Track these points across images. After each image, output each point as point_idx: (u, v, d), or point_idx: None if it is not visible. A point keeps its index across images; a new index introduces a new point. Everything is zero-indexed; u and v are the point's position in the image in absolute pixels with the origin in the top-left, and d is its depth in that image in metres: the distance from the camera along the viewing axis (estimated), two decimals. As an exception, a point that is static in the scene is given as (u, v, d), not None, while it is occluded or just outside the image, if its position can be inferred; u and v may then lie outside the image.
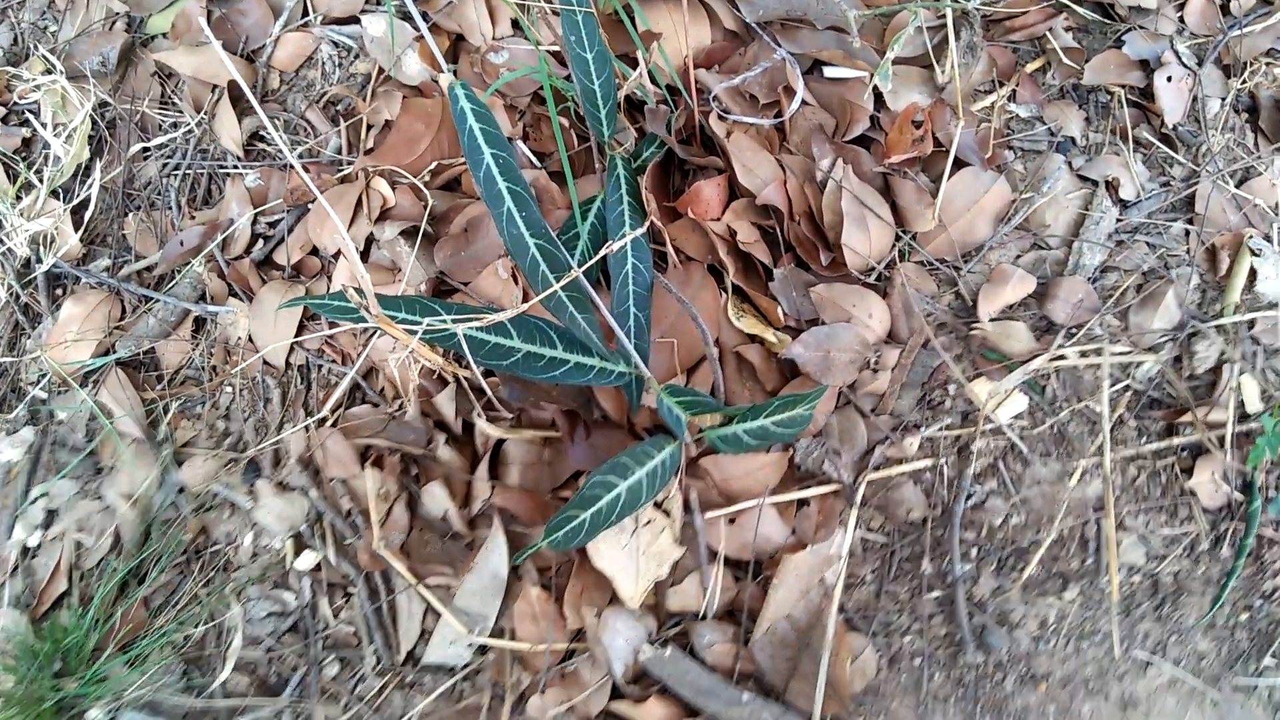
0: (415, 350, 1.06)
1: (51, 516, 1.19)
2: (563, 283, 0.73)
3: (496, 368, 0.87)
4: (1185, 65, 1.03)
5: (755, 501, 0.99)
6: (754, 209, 1.05)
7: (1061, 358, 0.97)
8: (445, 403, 1.08)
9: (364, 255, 1.13)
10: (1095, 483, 0.97)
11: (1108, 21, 1.07)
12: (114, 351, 1.19)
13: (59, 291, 1.24)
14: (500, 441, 1.07)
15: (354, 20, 1.24)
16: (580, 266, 1.02)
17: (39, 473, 1.20)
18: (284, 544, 1.11)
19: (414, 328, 0.81)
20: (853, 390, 1.00)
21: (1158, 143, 1.03)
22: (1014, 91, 1.05)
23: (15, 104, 1.31)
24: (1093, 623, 0.97)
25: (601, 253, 0.76)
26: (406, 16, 1.19)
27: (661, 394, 0.92)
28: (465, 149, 0.62)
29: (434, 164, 1.14)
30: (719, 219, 1.06)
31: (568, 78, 1.11)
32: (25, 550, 1.17)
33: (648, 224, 1.02)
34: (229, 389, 1.19)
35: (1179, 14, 1.08)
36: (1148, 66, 1.04)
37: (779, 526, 1.00)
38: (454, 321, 0.84)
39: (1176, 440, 0.97)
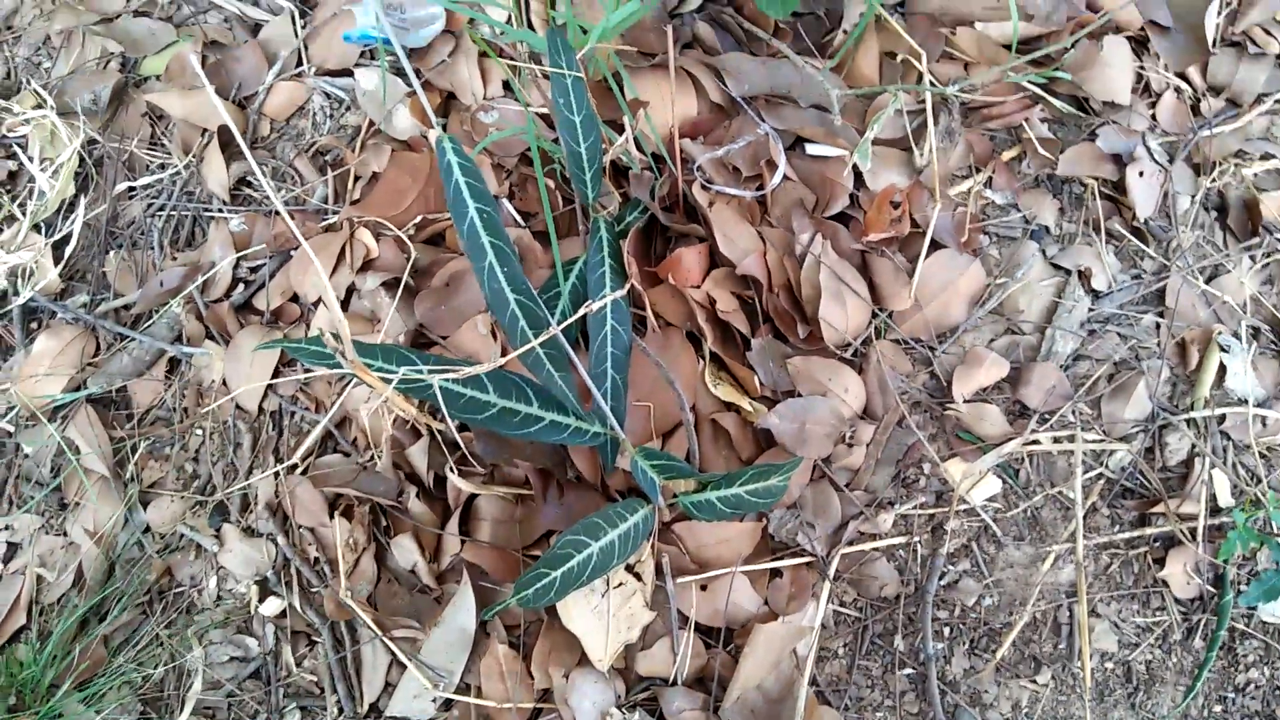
0: (390, 400, 1.06)
1: (13, 550, 1.17)
2: (541, 339, 0.73)
3: (471, 422, 0.87)
4: (1157, 161, 1.07)
5: (728, 570, 0.99)
6: (734, 279, 1.07)
7: (1035, 442, 0.99)
8: (418, 455, 1.08)
9: (344, 304, 1.14)
10: (1068, 568, 0.99)
11: (1082, 115, 1.11)
12: (85, 387, 1.18)
13: (34, 325, 1.23)
14: (472, 497, 1.07)
15: (347, 73, 1.25)
16: (560, 325, 1.04)
17: (2, 505, 1.18)
18: (249, 589, 1.10)
19: (389, 376, 0.81)
20: (828, 464, 1.02)
21: (1129, 235, 1.06)
22: (990, 178, 1.08)
23: (4, 137, 1.31)
24: (1065, 708, 0.98)
25: (581, 311, 0.78)
26: (399, 72, 1.21)
27: (636, 456, 0.93)
28: (450, 202, 0.63)
29: (419, 218, 1.15)
30: (699, 286, 1.07)
31: (555, 140, 1.13)
32: (-17, 584, 1.15)
33: (628, 287, 1.03)
34: (199, 431, 1.18)
35: (1151, 111, 1.12)
36: (1120, 161, 1.08)
37: (751, 596, 1.00)
38: (430, 372, 0.84)
39: (1149, 530, 0.99)
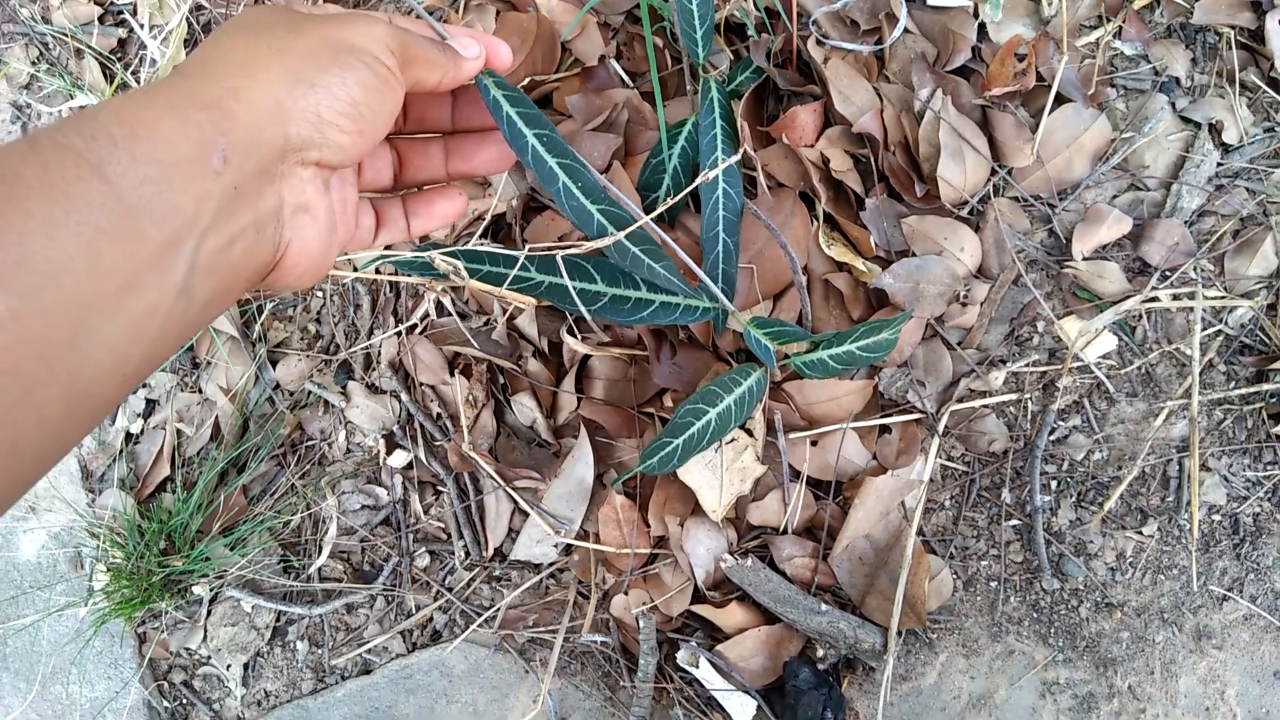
0: (507, 296, 1.09)
1: (152, 406, 1.24)
2: (627, 231, 0.73)
3: (587, 311, 0.89)
4: (1299, 8, 1.02)
5: (838, 426, 1.02)
6: (849, 137, 1.06)
7: (1154, 300, 0.98)
8: (528, 323, 1.11)
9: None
10: (1180, 424, 0.99)
11: (1221, -41, 1.05)
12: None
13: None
14: (586, 357, 1.10)
15: (453, -71, 1.24)
16: (668, 193, 1.05)
17: (138, 364, 1.25)
18: (376, 442, 1.15)
19: (490, 275, 0.85)
20: (940, 323, 1.02)
21: (1265, 87, 1.02)
22: (1120, 28, 1.04)
23: (112, 4, 1.33)
24: (1170, 557, 1.00)
25: (695, 184, 0.78)
26: (506, -71, 1.19)
27: (749, 327, 0.94)
28: (507, 136, 0.61)
29: (527, 79, 1.15)
30: (813, 146, 1.06)
31: (665, -4, 1.12)
32: (129, 436, 1.23)
33: (741, 152, 1.03)
34: (319, 294, 1.22)
35: (1293, -46, 1.06)
36: (1259, 8, 1.03)
37: (860, 451, 1.03)
38: (539, 271, 0.87)
39: (1266, 386, 0.98)
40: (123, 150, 0.38)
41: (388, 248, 1.18)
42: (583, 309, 0.87)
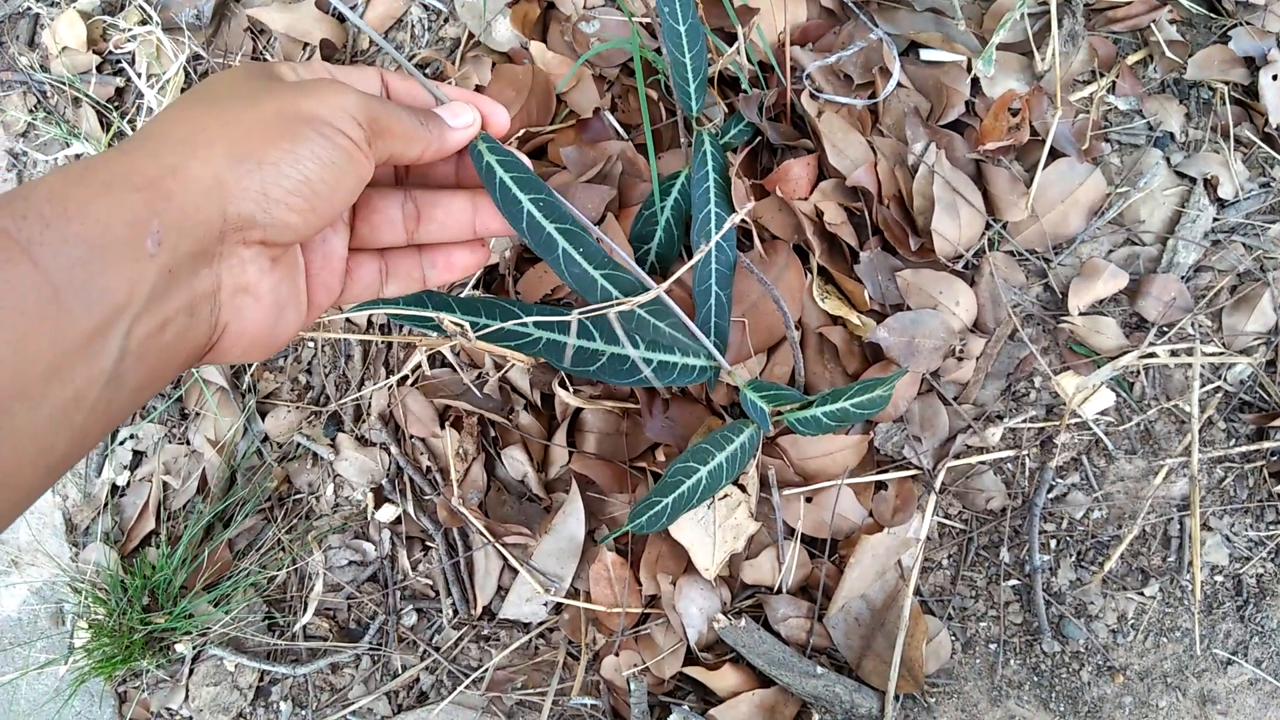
0: (508, 355, 1.08)
1: (139, 458, 1.22)
2: (643, 299, 0.71)
3: (583, 374, 0.88)
4: (1292, 64, 1.02)
5: (833, 482, 1.00)
6: (843, 190, 1.05)
7: (1152, 355, 0.97)
8: (519, 377, 1.10)
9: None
10: (1180, 482, 0.98)
11: (1214, 16, 1.06)
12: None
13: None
14: (578, 410, 1.09)
15: (447, -16, 1.25)
16: (659, 245, 1.04)
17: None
18: (365, 496, 1.14)
19: (492, 332, 0.83)
20: (936, 378, 1.01)
21: (1259, 142, 1.01)
22: (1114, 83, 1.04)
23: (111, 53, 1.34)
24: (1173, 619, 0.98)
25: (697, 258, 0.77)
26: (501, -18, 1.20)
27: (745, 389, 0.93)
28: (499, 202, 0.58)
29: (521, 131, 1.15)
30: (806, 199, 1.06)
31: (658, 50, 1.12)
32: (114, 489, 1.21)
33: (746, 209, 1.02)
34: (310, 344, 1.21)
35: (1286, 10, 1.06)
36: (1253, 64, 1.03)
37: (856, 508, 1.01)
38: (535, 326, 0.85)
39: (1266, 444, 0.97)
40: (54, 231, 0.36)
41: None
42: (568, 369, 0.86)
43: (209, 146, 0.42)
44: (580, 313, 0.72)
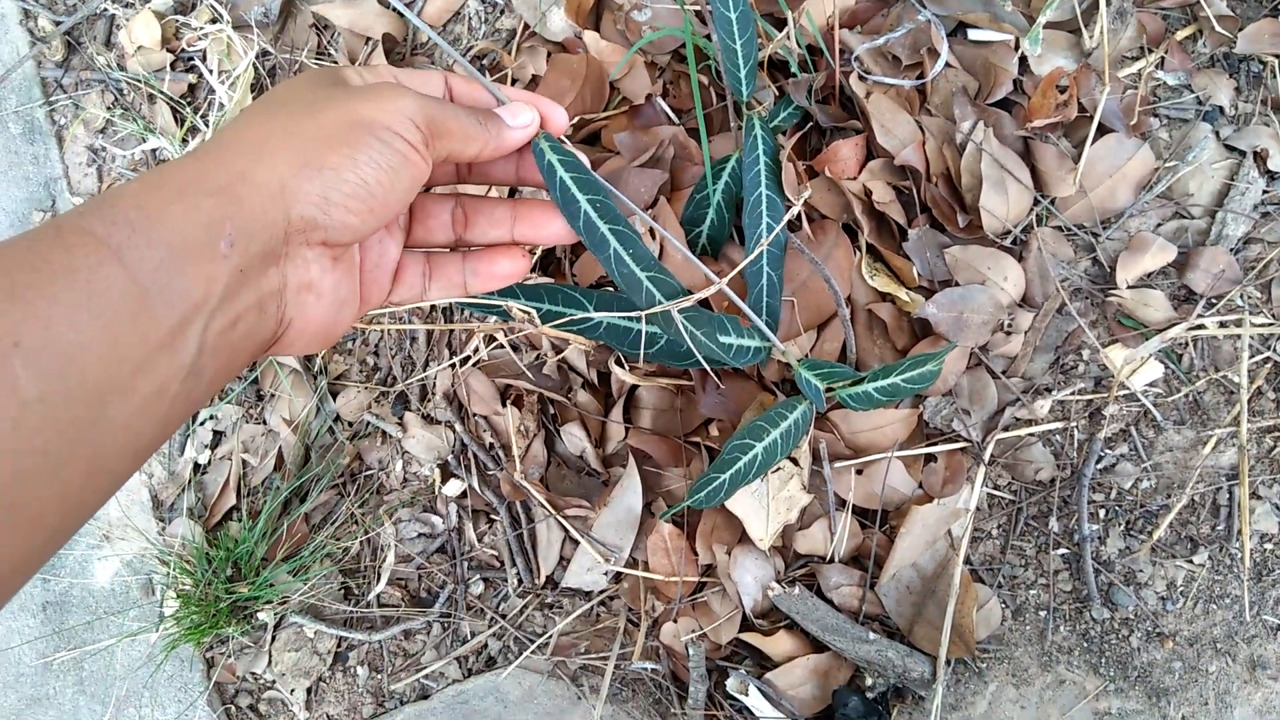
0: (566, 338, 1.12)
1: (219, 437, 1.29)
2: (683, 302, 0.74)
3: (639, 354, 0.92)
4: (1345, 34, 1.02)
5: (884, 455, 1.03)
6: (891, 169, 1.08)
7: (1200, 327, 0.98)
8: (576, 357, 1.14)
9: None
10: (1229, 451, 0.99)
11: (1264, -13, 1.06)
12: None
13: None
14: (634, 387, 1.13)
15: (503, -24, 1.28)
16: (711, 228, 1.07)
17: (206, 397, 1.30)
18: (432, 472, 1.19)
19: (561, 322, 0.87)
20: (984, 352, 1.03)
21: (1311, 113, 1.02)
22: (1163, 58, 1.05)
23: (184, 51, 1.40)
24: (1222, 586, 0.99)
25: (752, 255, 0.80)
26: (554, -27, 1.23)
27: (799, 368, 0.96)
28: (559, 201, 0.61)
29: (576, 118, 1.19)
30: (855, 179, 1.08)
31: (709, 36, 1.14)
32: (196, 467, 1.28)
33: (804, 197, 1.05)
34: (378, 330, 1.26)
35: (1339, -21, 1.06)
36: (1305, 34, 1.03)
37: (906, 479, 1.04)
38: (596, 309, 0.89)
39: (1315, 413, 0.98)
40: (139, 235, 0.40)
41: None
42: (629, 353, 0.90)
43: (274, 154, 0.45)
44: (647, 311, 0.75)
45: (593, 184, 0.63)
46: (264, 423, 1.27)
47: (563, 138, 0.64)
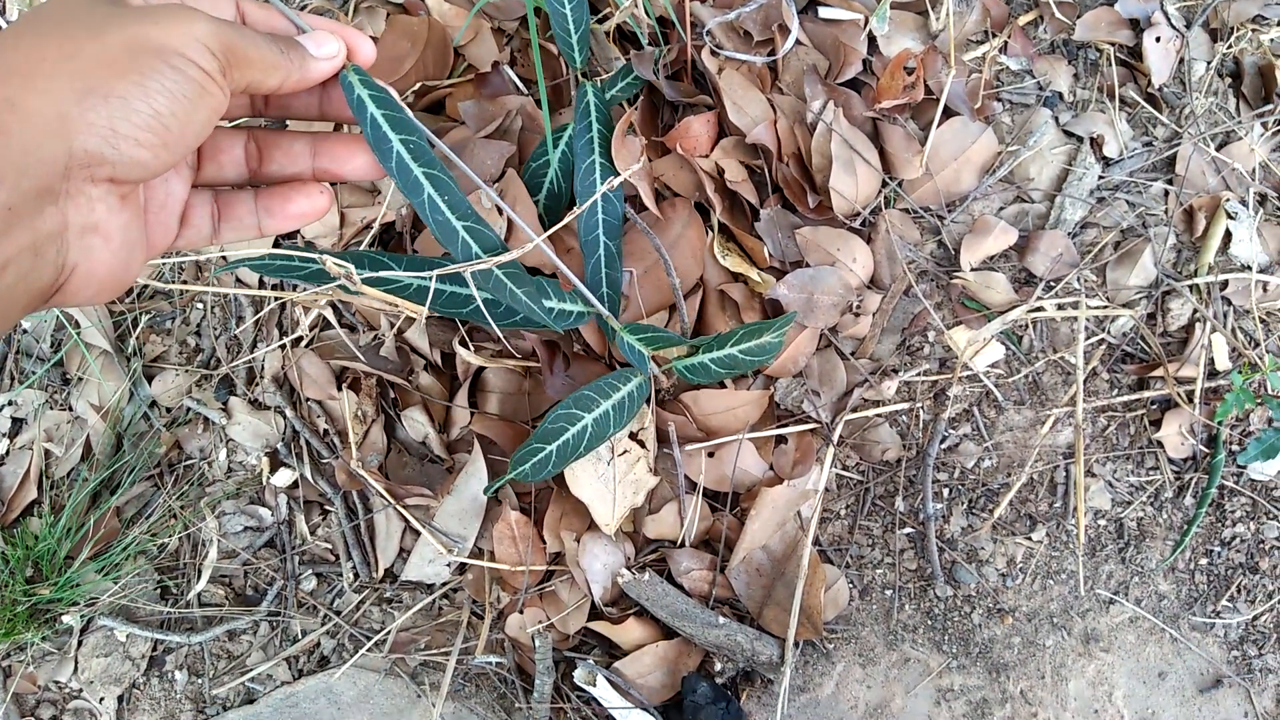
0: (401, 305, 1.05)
1: (18, 425, 1.17)
2: (501, 259, 0.70)
3: (456, 315, 0.87)
4: (1174, 27, 1.05)
5: (734, 437, 1.01)
6: (743, 148, 1.06)
7: (1040, 310, 1.00)
8: (418, 336, 1.08)
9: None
10: (1066, 431, 1.01)
11: (1100, -22, 1.08)
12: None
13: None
14: (480, 369, 1.07)
15: (340, -70, 1.20)
16: (547, 197, 1.03)
17: (3, 381, 1.18)
18: (259, 461, 1.11)
19: (373, 277, 0.81)
20: (834, 333, 1.02)
21: (1143, 102, 1.05)
22: (1005, 43, 1.06)
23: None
24: (1059, 562, 1.02)
25: (576, 212, 0.76)
26: (395, -70, 1.16)
27: (622, 332, 0.93)
28: (370, 139, 0.57)
29: (418, 84, 1.12)
30: (707, 156, 1.06)
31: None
32: (-9, 458, 1.15)
33: (632, 169, 1.01)
34: (199, 305, 1.17)
35: (1168, -25, 1.10)
36: (1138, 26, 1.06)
37: (757, 461, 1.02)
38: (406, 275, 0.83)
39: (1147, 394, 1.01)
40: None
41: (277, 243, 1.13)
42: (440, 312, 0.84)
43: (49, 79, 0.40)
44: (440, 271, 0.71)
45: (407, 123, 0.58)
46: (70, 409, 1.16)
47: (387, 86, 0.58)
